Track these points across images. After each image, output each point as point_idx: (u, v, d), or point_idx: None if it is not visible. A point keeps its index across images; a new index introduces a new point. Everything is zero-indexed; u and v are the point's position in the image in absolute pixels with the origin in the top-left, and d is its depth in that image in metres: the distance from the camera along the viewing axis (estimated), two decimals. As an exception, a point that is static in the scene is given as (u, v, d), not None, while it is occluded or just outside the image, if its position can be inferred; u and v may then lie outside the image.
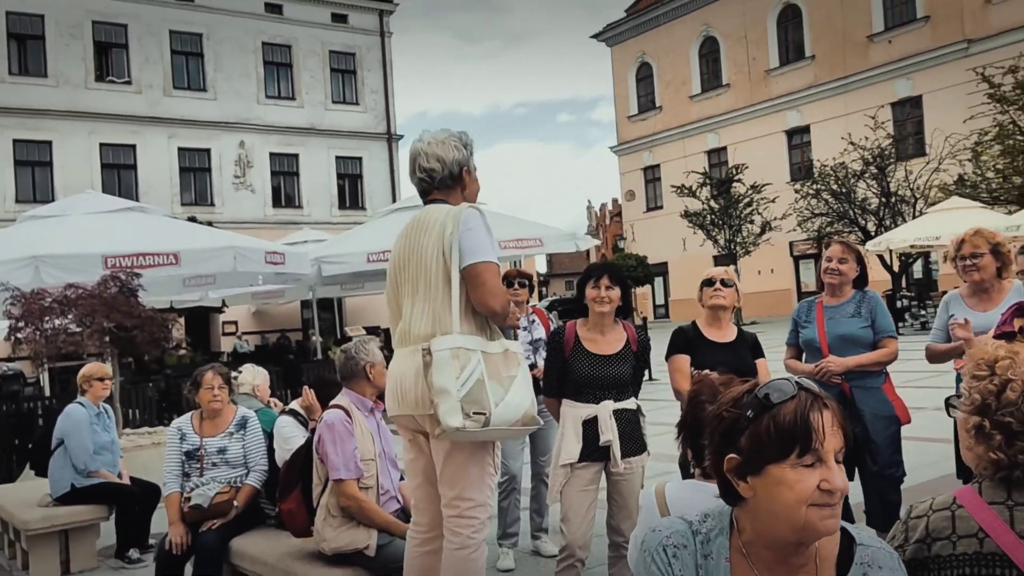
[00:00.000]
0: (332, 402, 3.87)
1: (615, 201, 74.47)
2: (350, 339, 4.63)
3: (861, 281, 4.48)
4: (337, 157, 28.04)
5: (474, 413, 2.75)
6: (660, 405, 6.91)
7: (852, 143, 24.55)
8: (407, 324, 3.01)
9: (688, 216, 28.88)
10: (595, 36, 41.27)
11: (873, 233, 23.83)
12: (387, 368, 3.25)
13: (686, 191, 28.43)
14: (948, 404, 1.78)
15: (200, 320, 23.38)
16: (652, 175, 38.42)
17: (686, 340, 4.14)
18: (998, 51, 24.52)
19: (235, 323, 24.50)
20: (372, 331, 18.57)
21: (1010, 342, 3.74)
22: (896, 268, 23.32)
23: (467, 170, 3.14)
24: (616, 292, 3.84)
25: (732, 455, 1.53)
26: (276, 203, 26.93)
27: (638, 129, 38.88)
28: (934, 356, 4.29)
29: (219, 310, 21.54)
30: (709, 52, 35.91)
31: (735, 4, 34.06)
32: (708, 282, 4.21)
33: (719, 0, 34.73)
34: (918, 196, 23.57)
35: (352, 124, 28.22)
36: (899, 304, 21.08)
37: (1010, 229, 16.86)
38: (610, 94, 41.44)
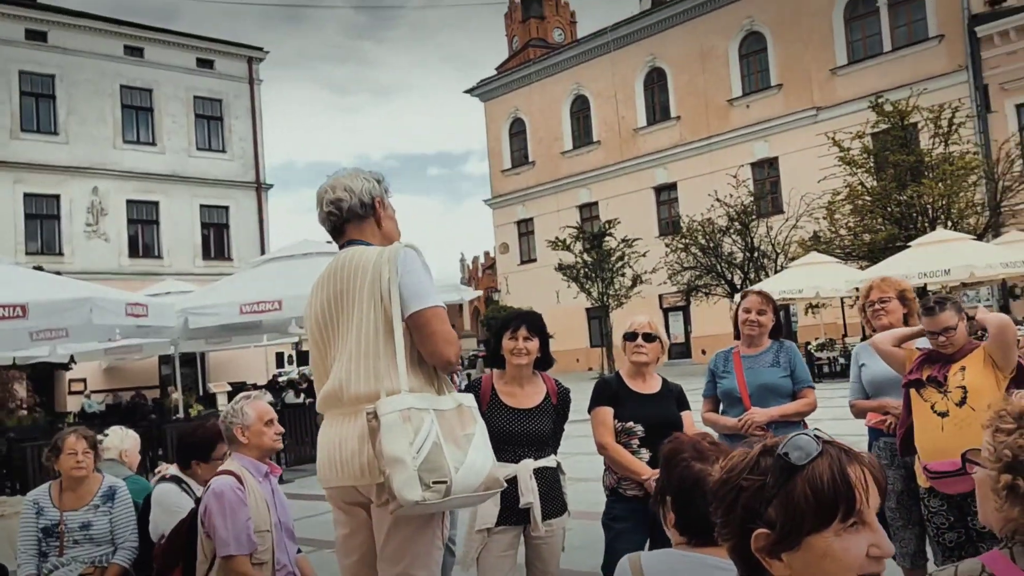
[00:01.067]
0: (221, 467, 3.42)
1: (487, 254, 74.97)
2: (213, 396, 4.16)
3: (777, 331, 4.43)
4: (202, 206, 26.82)
5: (434, 483, 2.39)
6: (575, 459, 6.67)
7: (718, 199, 25.64)
8: (340, 384, 2.63)
9: (562, 269, 29.25)
10: (469, 91, 41.82)
11: (739, 286, 24.82)
12: (320, 433, 2.86)
13: (560, 244, 28.84)
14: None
15: (44, 377, 21.53)
16: (526, 228, 38.91)
17: (610, 392, 3.95)
18: (843, 118, 26.30)
19: (83, 380, 22.72)
20: (238, 387, 17.57)
21: (919, 390, 3.74)
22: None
23: (380, 200, 2.83)
24: (535, 343, 3.63)
25: (761, 530, 1.28)
26: (133, 253, 25.40)
27: (512, 183, 39.40)
28: (858, 412, 4.26)
29: (66, 366, 19.91)
30: (580, 110, 36.98)
31: (604, 65, 35.33)
32: (630, 336, 4.03)
33: (589, 61, 35.97)
34: (779, 251, 24.75)
35: (218, 172, 27.14)
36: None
37: (865, 281, 17.76)
38: (481, 148, 42.08)
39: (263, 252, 24.11)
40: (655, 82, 34.06)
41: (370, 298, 2.60)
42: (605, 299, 28.54)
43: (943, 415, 3.59)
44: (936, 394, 3.63)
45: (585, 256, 28.81)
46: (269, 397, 4.00)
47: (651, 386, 3.98)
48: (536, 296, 35.60)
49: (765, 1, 30.00)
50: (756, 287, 4.38)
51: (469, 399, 2.63)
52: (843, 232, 22.63)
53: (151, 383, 23.50)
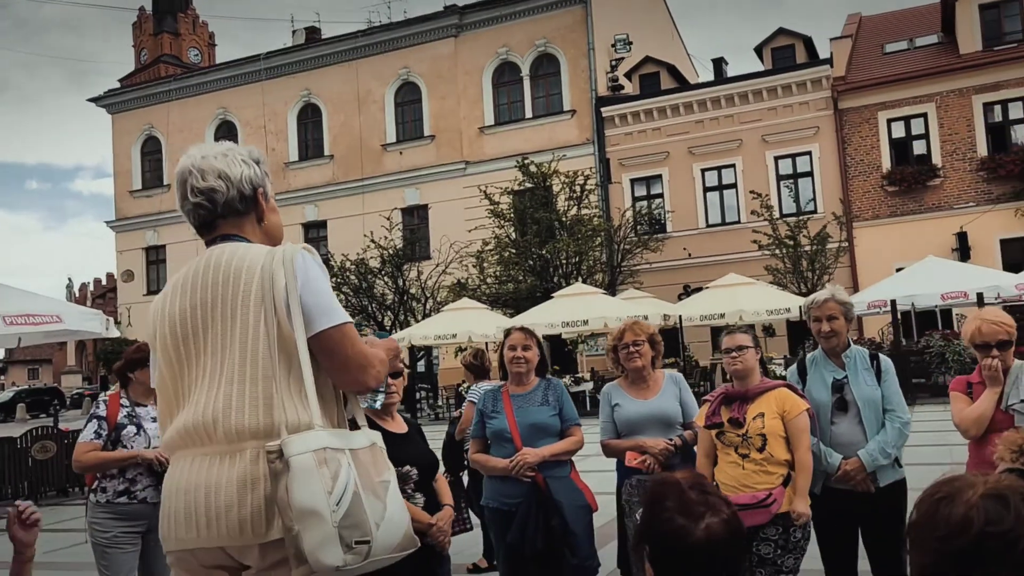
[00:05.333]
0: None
1: (99, 281, 67.36)
2: None
3: (542, 368, 4.43)
4: None
5: (356, 542, 1.90)
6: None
7: (373, 241, 25.82)
8: (212, 415, 2.04)
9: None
10: (94, 100, 37.72)
11: (389, 328, 25.10)
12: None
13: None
14: None
15: None
16: (156, 256, 35.73)
17: None
18: (490, 174, 28.12)
19: None
20: None
21: (719, 437, 3.96)
22: (407, 361, 24.83)
23: (262, 191, 2.29)
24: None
25: None
26: None
27: (142, 206, 36.04)
28: (613, 452, 4.37)
29: None
30: (226, 136, 35.05)
31: (255, 94, 34.05)
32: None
33: (239, 87, 34.42)
34: (428, 295, 25.53)
35: None
36: (417, 395, 22.31)
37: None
38: (95, 164, 38.08)
39: None
40: (309, 118, 33.59)
41: (258, 309, 2.06)
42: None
43: (744, 456, 3.83)
44: (736, 438, 3.86)
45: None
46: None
47: (400, 426, 3.73)
48: (166, 329, 32.76)
49: (422, 54, 31.23)
50: (517, 324, 4.32)
51: (378, 436, 2.16)
52: (489, 280, 24.03)
53: None
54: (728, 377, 4.17)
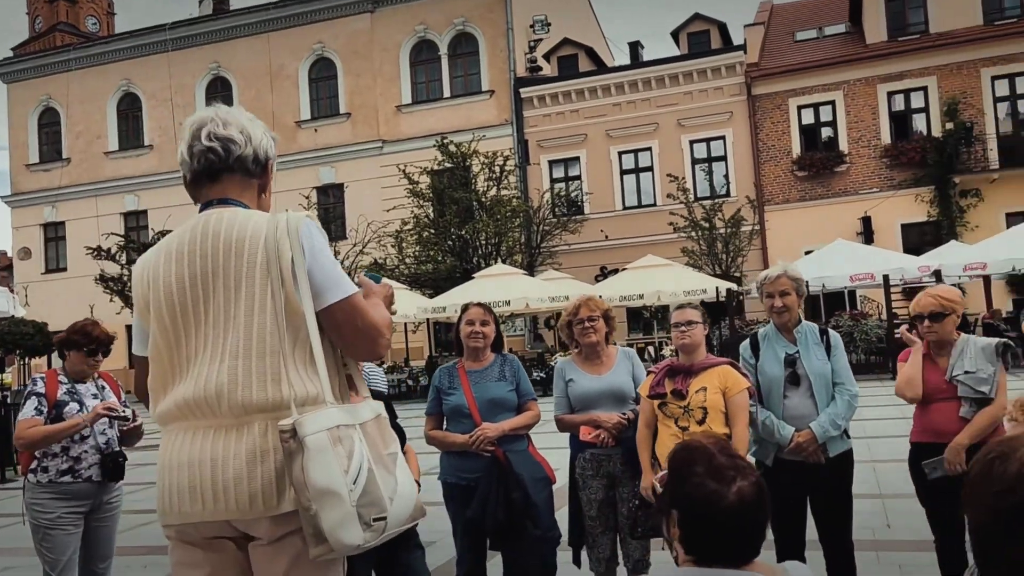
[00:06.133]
0: None
1: (-7, 259, 63.99)
2: None
3: (499, 343, 4.39)
4: None
5: (374, 520, 1.87)
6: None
7: (288, 220, 25.16)
8: (217, 388, 1.95)
9: (104, 281, 26.20)
10: (-15, 67, 35.58)
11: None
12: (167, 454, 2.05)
13: (103, 254, 25.84)
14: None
15: None
16: (55, 233, 34.04)
17: None
18: (407, 153, 27.78)
19: None
20: None
21: (661, 408, 4.01)
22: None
23: (272, 165, 2.20)
24: None
25: None
26: None
27: (39, 180, 34.24)
28: (566, 426, 4.37)
29: None
30: (129, 109, 33.63)
31: (161, 65, 32.69)
32: None
33: (143, 57, 32.99)
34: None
35: None
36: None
37: (437, 311, 18.88)
38: None
39: None
40: (218, 91, 32.41)
41: (264, 282, 1.97)
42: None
43: (684, 429, 3.87)
44: (678, 409, 3.91)
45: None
46: None
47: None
48: (66, 309, 31.26)
49: (337, 29, 30.53)
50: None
51: (381, 407, 2.09)
52: (408, 260, 23.80)
53: None
54: (675, 352, 4.22)
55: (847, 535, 4.12)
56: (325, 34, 30.71)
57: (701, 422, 3.84)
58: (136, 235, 30.32)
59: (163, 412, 2.05)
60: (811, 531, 4.15)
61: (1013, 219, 22.41)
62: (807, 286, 4.32)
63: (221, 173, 2.12)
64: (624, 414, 4.22)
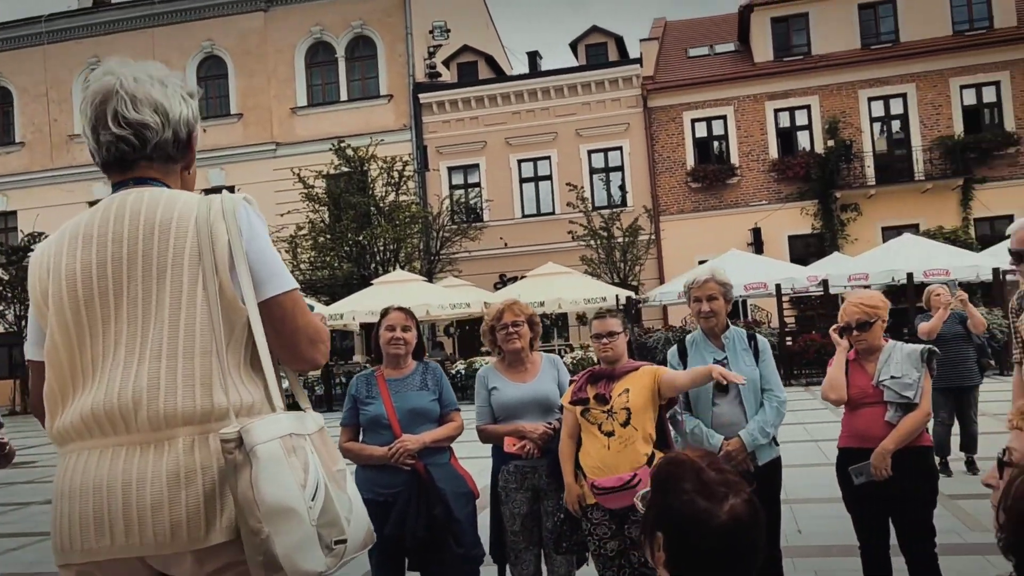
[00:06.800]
0: None
1: None
2: None
3: (419, 351, 4.15)
4: None
5: (335, 543, 1.62)
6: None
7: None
8: (123, 395, 1.64)
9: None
10: None
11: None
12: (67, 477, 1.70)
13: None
14: (1001, 463, 1.57)
15: None
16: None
17: None
18: (303, 156, 27.05)
19: None
20: None
21: (584, 414, 3.85)
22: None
23: (195, 136, 1.91)
24: None
25: None
26: None
27: None
28: (489, 437, 4.17)
29: None
30: (1, 104, 31.55)
31: (35, 59, 30.80)
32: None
33: (16, 50, 31.01)
34: (235, 281, 24.17)
35: None
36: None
37: (334, 318, 18.36)
38: None
39: None
40: (99, 87, 30.79)
41: (193, 270, 1.69)
42: (24, 324, 24.57)
43: (609, 435, 3.72)
44: (601, 414, 3.75)
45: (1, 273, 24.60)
46: None
47: None
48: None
49: (228, 27, 29.48)
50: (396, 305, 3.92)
51: (321, 418, 1.82)
52: (303, 266, 23.10)
53: None
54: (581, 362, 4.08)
55: (776, 542, 4.06)
56: (215, 31, 29.60)
57: (625, 424, 3.71)
58: (4, 238, 28.44)
59: (63, 428, 1.72)
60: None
61: (888, 233, 23.61)
62: (732, 290, 4.24)
63: (137, 162, 1.83)
64: (550, 423, 4.06)
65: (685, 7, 76.78)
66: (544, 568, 4.14)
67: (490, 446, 4.23)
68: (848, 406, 4.11)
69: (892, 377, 3.93)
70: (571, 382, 4.01)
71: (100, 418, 1.66)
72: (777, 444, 4.11)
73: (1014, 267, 3.60)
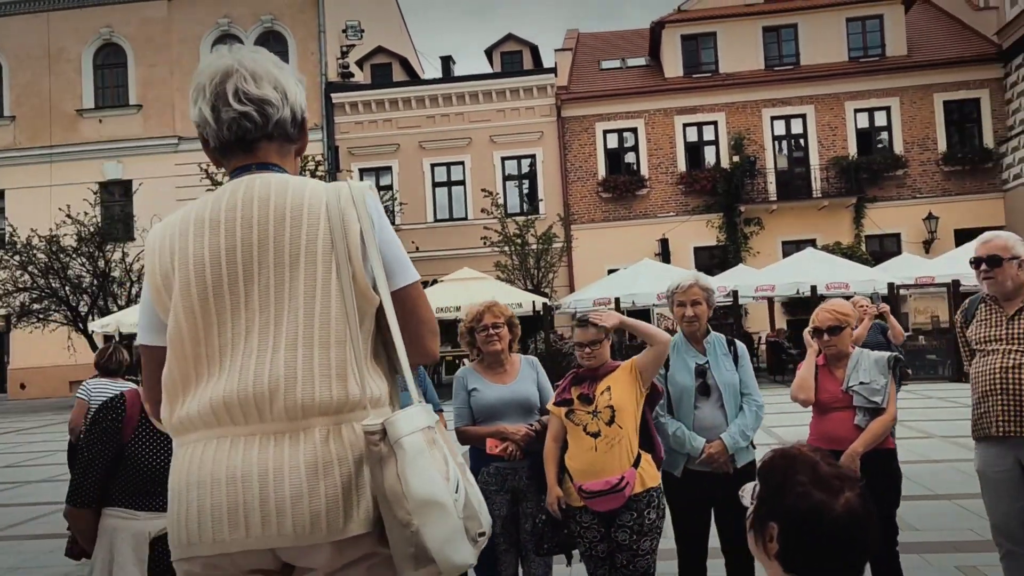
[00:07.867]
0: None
1: None
2: None
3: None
4: None
5: (478, 535, 1.63)
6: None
7: (70, 216, 22.85)
8: (259, 384, 1.58)
9: None
10: None
11: (85, 313, 22.50)
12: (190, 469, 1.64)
13: None
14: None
15: None
16: None
17: None
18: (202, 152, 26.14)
19: None
20: None
21: (568, 415, 3.88)
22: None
23: (306, 120, 1.86)
24: None
25: None
26: None
27: None
28: (469, 439, 4.14)
29: None
30: None
31: (-88, 35, 28.80)
32: None
33: None
34: (135, 279, 23.14)
35: None
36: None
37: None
38: None
39: None
40: (-13, 72, 29.05)
41: (327, 258, 1.63)
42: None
43: (595, 435, 3.74)
44: (586, 415, 3.77)
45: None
46: None
47: None
48: None
49: (129, 14, 28.28)
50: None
51: (432, 409, 1.79)
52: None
53: None
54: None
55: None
56: (114, 18, 28.36)
57: (610, 422, 3.73)
58: None
59: (185, 417, 1.64)
60: (713, 539, 4.18)
61: (788, 247, 24.63)
62: (715, 295, 4.35)
63: (259, 141, 1.76)
64: (531, 425, 4.06)
65: (594, 21, 78.54)
66: (520, 570, 4.13)
67: (468, 448, 4.20)
68: (817, 410, 4.27)
69: (861, 383, 4.11)
70: (556, 387, 4.02)
71: (232, 407, 1.60)
72: (754, 447, 4.23)
73: (985, 277, 3.80)
